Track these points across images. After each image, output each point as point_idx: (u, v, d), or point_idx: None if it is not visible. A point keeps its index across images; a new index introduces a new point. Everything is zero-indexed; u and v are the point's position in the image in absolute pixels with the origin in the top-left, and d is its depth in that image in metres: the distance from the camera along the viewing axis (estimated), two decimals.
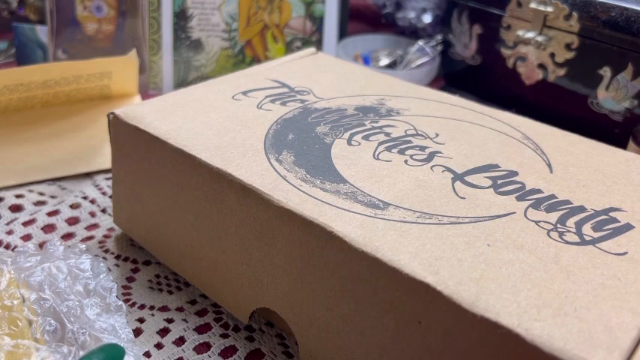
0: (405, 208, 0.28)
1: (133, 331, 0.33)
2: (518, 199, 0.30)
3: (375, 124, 0.36)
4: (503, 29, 0.56)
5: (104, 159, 0.49)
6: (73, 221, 0.43)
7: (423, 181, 0.31)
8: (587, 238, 0.27)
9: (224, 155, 0.32)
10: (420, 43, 0.67)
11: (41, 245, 0.40)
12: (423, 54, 0.66)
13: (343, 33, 0.67)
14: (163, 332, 0.34)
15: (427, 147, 0.34)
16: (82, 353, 0.28)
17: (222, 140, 0.33)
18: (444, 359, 0.24)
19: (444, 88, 0.57)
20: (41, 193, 0.45)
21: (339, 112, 0.37)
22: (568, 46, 0.51)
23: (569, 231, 0.27)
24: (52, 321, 0.30)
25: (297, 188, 0.29)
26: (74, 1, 0.60)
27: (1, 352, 0.27)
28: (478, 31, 0.58)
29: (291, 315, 0.30)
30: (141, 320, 0.35)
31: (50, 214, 0.43)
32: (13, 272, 0.32)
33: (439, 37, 0.68)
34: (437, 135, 0.35)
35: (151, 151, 0.34)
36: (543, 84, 0.54)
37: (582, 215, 0.29)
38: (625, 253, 0.26)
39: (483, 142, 0.35)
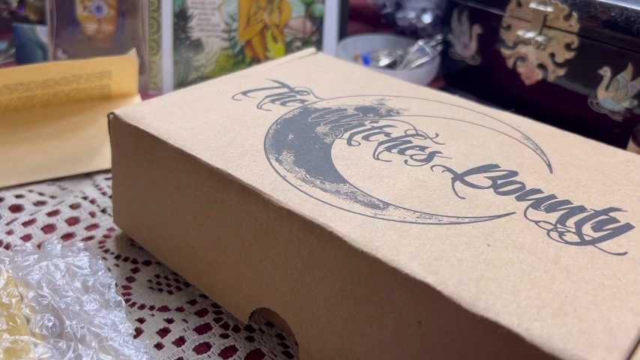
0: (405, 208, 0.28)
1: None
2: (518, 199, 0.30)
3: (375, 124, 0.36)
4: (503, 29, 0.56)
5: (104, 159, 0.49)
6: (73, 221, 0.43)
7: (423, 181, 0.31)
8: (587, 238, 0.27)
9: (224, 155, 0.32)
10: (420, 43, 0.67)
11: (40, 246, 0.40)
12: (423, 54, 0.66)
13: (343, 33, 0.67)
14: (163, 332, 0.34)
15: (427, 147, 0.34)
16: (81, 347, 0.28)
17: (222, 140, 0.33)
18: (444, 359, 0.24)
19: (444, 88, 0.57)
20: (41, 193, 0.45)
21: (339, 112, 0.37)
22: (568, 46, 0.51)
23: (569, 231, 0.27)
24: (50, 317, 0.30)
25: (297, 188, 0.29)
26: (74, 1, 0.60)
27: (0, 348, 0.27)
28: (478, 31, 0.58)
29: (291, 315, 0.30)
30: (141, 320, 0.35)
31: (50, 214, 0.43)
32: (10, 271, 0.32)
33: (439, 37, 0.68)
34: (437, 135, 0.35)
35: (151, 151, 0.34)
36: (543, 84, 0.54)
37: (582, 215, 0.29)
38: (625, 253, 0.26)
39: (483, 142, 0.35)
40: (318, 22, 0.64)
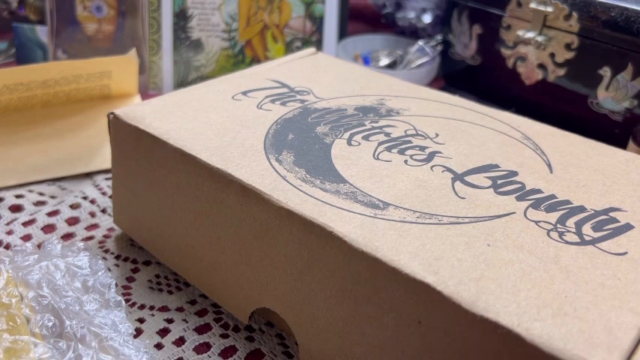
0: (405, 208, 0.28)
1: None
2: (518, 199, 0.30)
3: (374, 124, 0.36)
4: (503, 29, 0.56)
5: (104, 159, 0.49)
6: (73, 221, 0.43)
7: (423, 181, 0.31)
8: (587, 238, 0.27)
9: (224, 155, 0.32)
10: (420, 43, 0.67)
11: (40, 246, 0.40)
12: (423, 54, 0.66)
13: (343, 33, 0.67)
14: (163, 332, 0.34)
15: (427, 147, 0.34)
16: (81, 347, 0.28)
17: (222, 140, 0.33)
18: (444, 359, 0.24)
19: (444, 88, 0.57)
20: (41, 193, 0.45)
21: (339, 112, 0.37)
22: (568, 46, 0.51)
23: (569, 231, 0.27)
24: (50, 317, 0.30)
25: (297, 188, 0.29)
26: (74, 1, 0.60)
27: (0, 348, 0.27)
28: (478, 31, 0.58)
29: (291, 315, 0.30)
30: (141, 320, 0.35)
31: (50, 214, 0.43)
32: (10, 271, 0.32)
33: (439, 37, 0.68)
34: (437, 135, 0.35)
35: (151, 151, 0.34)
36: (543, 84, 0.54)
37: (582, 215, 0.29)
38: (625, 253, 0.26)
39: (483, 142, 0.35)
40: (318, 22, 0.64)
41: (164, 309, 0.35)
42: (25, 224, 0.42)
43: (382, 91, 0.41)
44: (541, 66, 0.53)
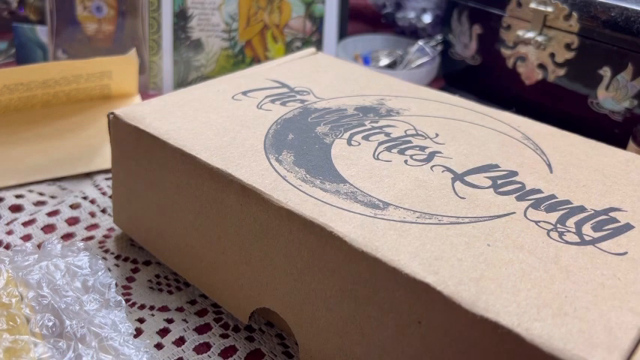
0: (405, 208, 0.28)
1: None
2: (518, 199, 0.30)
3: (375, 124, 0.36)
4: (503, 29, 0.56)
5: (104, 159, 0.49)
6: (73, 221, 0.42)
7: (423, 181, 0.31)
8: (587, 238, 0.27)
9: (224, 155, 0.32)
10: (420, 43, 0.67)
11: (40, 246, 0.40)
12: (423, 54, 0.66)
13: (343, 33, 0.67)
14: (163, 332, 0.34)
15: (427, 147, 0.34)
16: (81, 347, 0.28)
17: (222, 140, 0.33)
18: (443, 359, 0.24)
19: (444, 88, 0.57)
20: (41, 193, 0.45)
21: (339, 112, 0.37)
22: (568, 46, 0.51)
23: (569, 231, 0.27)
24: (50, 317, 0.30)
25: (297, 188, 0.29)
26: (74, 1, 0.60)
27: (0, 347, 0.27)
28: (478, 31, 0.58)
29: (291, 315, 0.30)
30: (141, 320, 0.35)
31: (50, 214, 0.43)
32: (10, 271, 0.32)
33: (439, 37, 0.68)
34: (437, 135, 0.35)
35: (151, 151, 0.34)
36: (543, 84, 0.54)
37: (582, 215, 0.29)
38: (625, 253, 0.26)
39: (483, 142, 0.35)
40: (318, 22, 0.64)
41: (164, 309, 0.35)
42: (25, 224, 0.42)
43: (382, 91, 0.41)
44: (541, 66, 0.53)
